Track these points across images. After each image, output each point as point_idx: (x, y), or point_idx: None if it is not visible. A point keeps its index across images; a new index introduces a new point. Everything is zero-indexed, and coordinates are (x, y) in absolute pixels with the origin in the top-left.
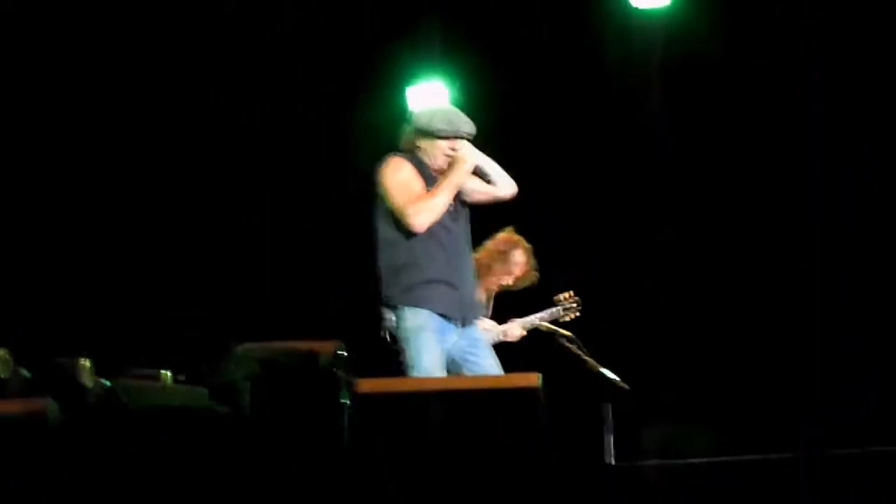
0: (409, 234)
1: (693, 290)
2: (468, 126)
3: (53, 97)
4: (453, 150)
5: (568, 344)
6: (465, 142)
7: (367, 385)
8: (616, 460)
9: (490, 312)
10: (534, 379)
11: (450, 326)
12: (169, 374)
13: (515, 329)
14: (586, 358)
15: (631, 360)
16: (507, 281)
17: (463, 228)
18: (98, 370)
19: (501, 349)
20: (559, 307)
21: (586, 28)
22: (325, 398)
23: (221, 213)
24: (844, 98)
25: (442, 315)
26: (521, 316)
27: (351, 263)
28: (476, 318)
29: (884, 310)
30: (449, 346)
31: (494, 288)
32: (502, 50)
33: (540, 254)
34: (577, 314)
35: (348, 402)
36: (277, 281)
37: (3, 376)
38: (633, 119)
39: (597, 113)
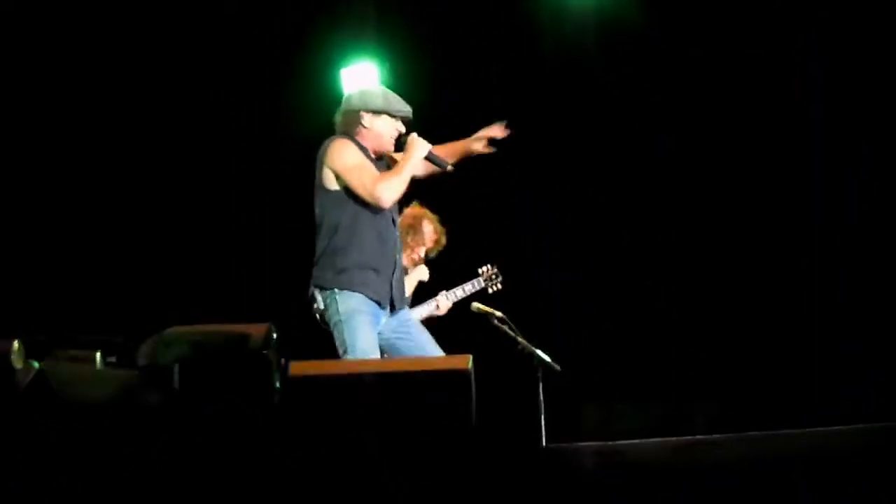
0: (350, 218)
1: (674, 288)
2: (408, 108)
3: (42, 97)
4: (399, 131)
5: (501, 325)
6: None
7: (299, 368)
8: (548, 441)
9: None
10: (465, 360)
11: (381, 311)
12: (98, 355)
13: (444, 301)
14: (519, 339)
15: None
16: (421, 252)
17: (395, 217)
18: (28, 352)
19: (435, 331)
20: (481, 278)
21: (519, 7)
22: (257, 381)
23: (156, 193)
24: (770, 66)
25: (373, 300)
26: (448, 289)
27: (281, 246)
28: (405, 304)
29: (883, 309)
30: (381, 329)
31: (416, 258)
32: (435, 31)
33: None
34: (500, 286)
35: (279, 385)
36: (207, 263)
37: (16, 367)
38: (566, 101)
39: (530, 94)
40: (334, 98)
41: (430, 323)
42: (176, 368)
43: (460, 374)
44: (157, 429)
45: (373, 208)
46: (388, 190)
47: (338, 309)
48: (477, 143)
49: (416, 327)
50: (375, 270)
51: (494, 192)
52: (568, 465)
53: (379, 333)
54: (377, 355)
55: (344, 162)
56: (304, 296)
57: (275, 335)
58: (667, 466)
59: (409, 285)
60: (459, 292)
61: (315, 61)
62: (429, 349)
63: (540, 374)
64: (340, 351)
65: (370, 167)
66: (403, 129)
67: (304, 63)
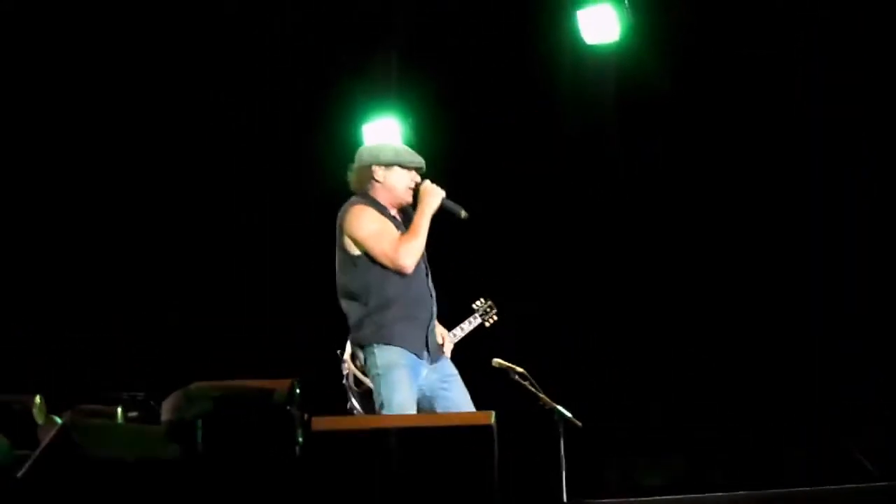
0: (378, 278)
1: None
2: (420, 159)
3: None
4: (416, 181)
5: (522, 381)
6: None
7: (321, 423)
8: (569, 497)
9: None
10: (488, 417)
11: (421, 363)
12: (120, 410)
13: (448, 345)
14: (540, 394)
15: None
16: None
17: (426, 265)
18: (50, 407)
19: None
20: (477, 314)
21: (540, 65)
22: (280, 436)
23: (176, 248)
24: (786, 120)
25: (413, 352)
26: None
27: (301, 301)
28: (442, 355)
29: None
30: (421, 382)
31: None
32: (456, 87)
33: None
34: (496, 318)
35: (302, 440)
36: (229, 318)
37: (39, 422)
38: (589, 152)
39: (552, 148)
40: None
41: None
42: (199, 424)
43: (483, 430)
44: (180, 484)
45: None
46: (409, 255)
47: (376, 363)
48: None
49: (457, 384)
50: (412, 320)
51: (506, 242)
52: None
53: (420, 387)
54: (413, 410)
55: (362, 230)
56: (326, 351)
57: (298, 391)
58: None
59: None
60: (459, 332)
61: (337, 117)
62: (465, 408)
63: (561, 430)
64: (377, 405)
65: (389, 231)
66: (419, 180)
67: (326, 118)
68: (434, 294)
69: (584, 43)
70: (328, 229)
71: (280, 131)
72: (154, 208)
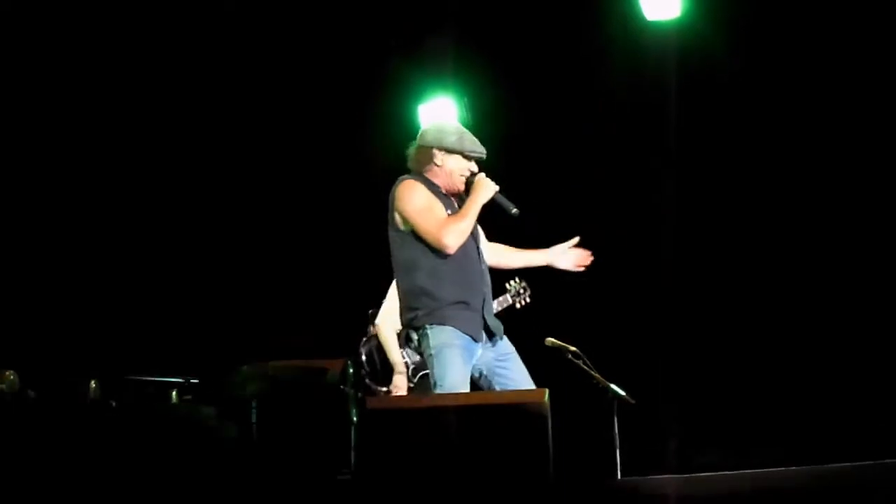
0: (428, 257)
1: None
2: (482, 149)
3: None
4: (471, 171)
5: (575, 360)
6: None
7: (375, 401)
8: (623, 474)
9: None
10: (542, 395)
11: (475, 344)
12: (174, 392)
13: None
14: (593, 373)
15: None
16: None
17: (480, 247)
18: (105, 391)
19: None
20: (508, 294)
21: (599, 42)
22: (334, 415)
23: (234, 230)
24: (858, 102)
25: (466, 334)
26: None
27: (357, 284)
28: (502, 334)
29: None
30: (477, 361)
31: None
32: (514, 66)
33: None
34: (528, 300)
35: (357, 419)
36: (284, 299)
37: (93, 401)
38: (648, 131)
39: (612, 127)
40: (411, 134)
41: None
42: (254, 404)
43: (537, 408)
44: (237, 463)
45: None
46: (453, 235)
47: (430, 343)
48: (561, 260)
49: (515, 362)
50: (464, 304)
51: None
52: (644, 498)
53: (476, 365)
54: (466, 389)
55: (412, 205)
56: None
57: (352, 370)
58: (740, 499)
59: None
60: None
61: (393, 97)
62: (524, 385)
63: (615, 408)
64: (432, 384)
65: (437, 210)
66: (476, 169)
67: (383, 99)
68: (487, 276)
69: (644, 19)
70: (382, 210)
71: (337, 112)
72: (218, 196)
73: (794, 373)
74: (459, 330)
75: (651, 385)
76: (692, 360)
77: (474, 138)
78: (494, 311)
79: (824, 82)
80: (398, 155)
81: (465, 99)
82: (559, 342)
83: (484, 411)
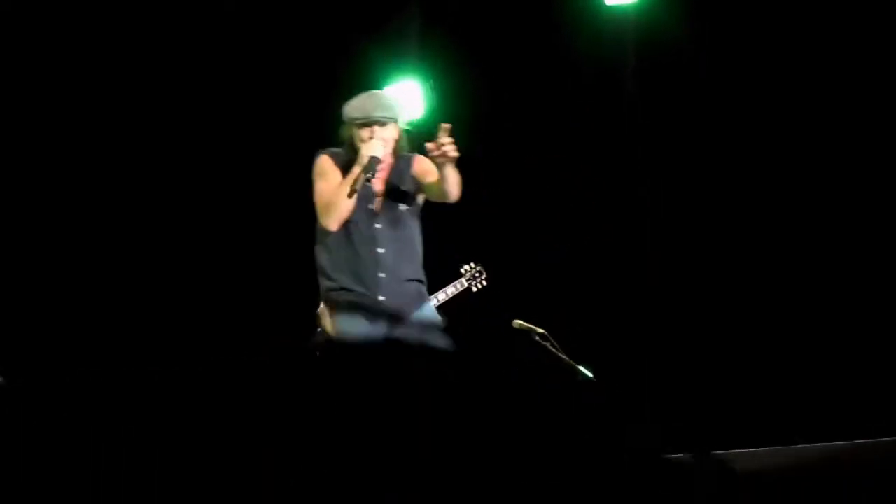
0: (322, 234)
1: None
2: (382, 110)
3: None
4: (362, 138)
5: (543, 342)
6: (381, 128)
7: None
8: (594, 458)
9: None
10: None
11: (365, 329)
12: None
13: None
14: (562, 356)
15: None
16: None
17: (390, 226)
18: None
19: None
20: (464, 278)
21: (559, 26)
22: None
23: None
24: (817, 87)
25: (363, 319)
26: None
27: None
28: (411, 312)
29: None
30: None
31: None
32: (477, 49)
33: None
34: (485, 283)
35: None
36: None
37: None
38: (608, 114)
39: (572, 109)
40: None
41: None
42: None
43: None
44: None
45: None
46: (323, 215)
47: (330, 331)
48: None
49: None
50: (357, 292)
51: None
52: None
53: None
54: None
55: (314, 179)
56: None
57: None
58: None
59: None
60: (441, 296)
61: (358, 79)
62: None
63: (582, 391)
64: None
65: (329, 185)
66: (372, 135)
67: (347, 81)
68: (393, 259)
69: (603, 4)
70: None
71: (299, 95)
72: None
73: (763, 355)
74: (353, 317)
75: (619, 368)
76: (661, 343)
77: (365, 103)
78: (448, 297)
79: (783, 67)
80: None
81: (430, 81)
82: (527, 324)
83: None
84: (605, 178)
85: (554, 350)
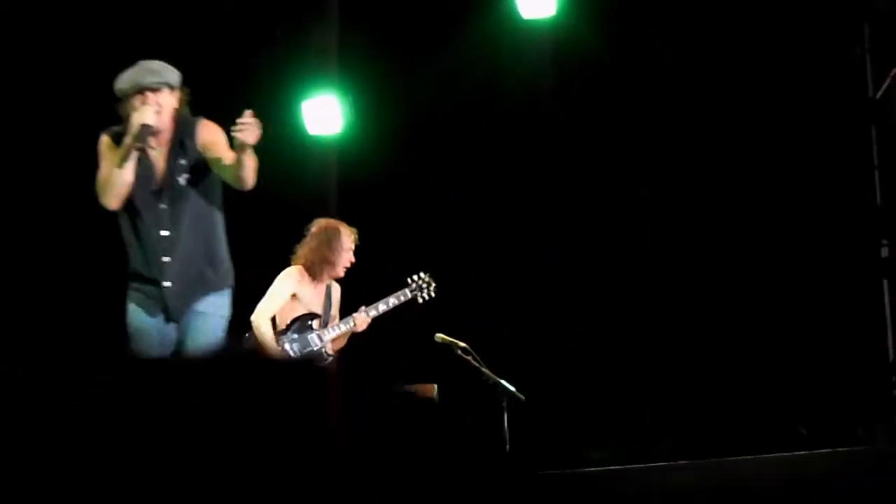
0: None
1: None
2: (151, 75)
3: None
4: (134, 107)
5: (465, 355)
6: (154, 94)
7: None
8: (514, 469)
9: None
10: (431, 390)
11: (150, 321)
12: None
13: (362, 317)
14: (484, 369)
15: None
16: (347, 263)
17: (174, 204)
18: None
19: (388, 356)
20: (408, 289)
21: (478, 39)
22: None
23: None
24: (733, 94)
25: (147, 313)
26: (369, 303)
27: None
28: (195, 300)
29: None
30: (164, 341)
31: (339, 274)
32: (396, 62)
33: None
34: (433, 295)
35: None
36: None
37: None
38: (530, 127)
39: (492, 120)
40: (295, 132)
41: (351, 341)
42: None
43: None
44: None
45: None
46: (102, 192)
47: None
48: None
49: (195, 334)
50: (141, 277)
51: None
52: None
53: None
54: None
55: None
56: None
57: None
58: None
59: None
60: (382, 306)
61: (276, 94)
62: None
63: (505, 405)
64: None
65: (109, 164)
66: (171, 102)
67: (265, 96)
68: (173, 245)
69: (521, 18)
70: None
71: (217, 107)
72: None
73: (684, 367)
74: (139, 308)
75: (541, 381)
76: (583, 356)
77: (135, 73)
78: (390, 307)
79: (699, 75)
80: (282, 154)
81: (349, 96)
82: (449, 338)
83: None
84: (526, 188)
85: (476, 364)
